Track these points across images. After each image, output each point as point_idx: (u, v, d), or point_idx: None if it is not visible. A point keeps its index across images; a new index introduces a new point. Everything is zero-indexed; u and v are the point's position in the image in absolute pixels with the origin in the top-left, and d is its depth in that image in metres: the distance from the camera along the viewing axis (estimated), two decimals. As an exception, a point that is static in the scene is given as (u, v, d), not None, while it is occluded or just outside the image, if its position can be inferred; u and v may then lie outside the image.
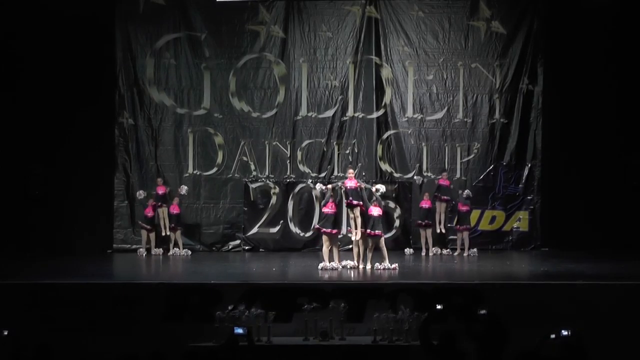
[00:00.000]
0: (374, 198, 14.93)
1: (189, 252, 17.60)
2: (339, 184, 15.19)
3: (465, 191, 17.47)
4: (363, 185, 15.28)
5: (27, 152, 17.62)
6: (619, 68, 18.00)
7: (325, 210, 14.96)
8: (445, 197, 17.46)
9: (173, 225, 17.53)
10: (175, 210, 17.68)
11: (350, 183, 14.93)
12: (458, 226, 17.29)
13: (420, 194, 18.15)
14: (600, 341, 9.51)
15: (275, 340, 11.68)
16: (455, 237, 17.52)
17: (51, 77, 17.59)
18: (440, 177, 17.85)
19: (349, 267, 14.85)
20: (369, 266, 14.78)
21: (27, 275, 13.81)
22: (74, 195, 17.76)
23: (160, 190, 17.72)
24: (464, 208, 17.29)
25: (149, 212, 17.56)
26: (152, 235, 17.60)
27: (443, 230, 17.28)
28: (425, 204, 17.55)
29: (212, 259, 17.28)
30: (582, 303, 11.88)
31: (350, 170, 15.40)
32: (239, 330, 8.72)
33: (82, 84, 17.65)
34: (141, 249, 17.60)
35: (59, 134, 17.70)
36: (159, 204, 17.56)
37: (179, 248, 17.52)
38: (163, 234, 17.51)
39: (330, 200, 14.95)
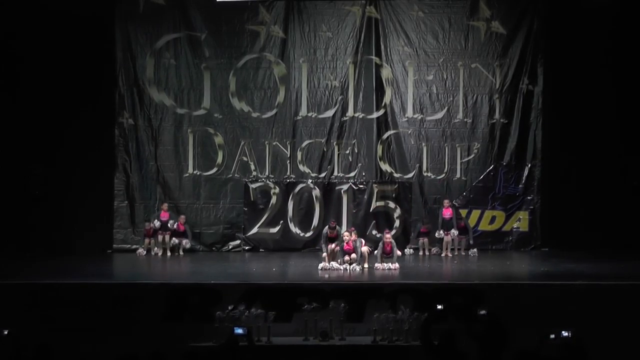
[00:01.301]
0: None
1: (188, 244, 17.55)
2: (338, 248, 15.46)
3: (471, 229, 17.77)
4: (356, 238, 15.40)
5: (27, 152, 17.62)
6: (619, 68, 17.98)
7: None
8: (447, 232, 17.39)
9: (178, 241, 17.51)
10: (180, 228, 17.58)
11: (349, 247, 15.22)
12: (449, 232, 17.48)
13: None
14: (600, 341, 9.51)
15: (275, 340, 11.70)
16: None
17: (51, 77, 17.58)
18: (443, 206, 17.73)
19: (352, 267, 14.90)
20: (378, 265, 14.90)
21: (27, 275, 13.82)
22: (73, 195, 17.74)
23: (164, 217, 17.52)
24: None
25: (148, 233, 17.58)
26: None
27: (450, 255, 17.28)
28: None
29: (212, 259, 17.27)
30: (582, 303, 11.89)
31: (346, 234, 15.45)
32: (239, 330, 8.75)
33: (82, 84, 17.64)
34: (141, 249, 17.60)
35: (59, 134, 17.69)
36: (160, 231, 17.40)
37: (179, 253, 17.50)
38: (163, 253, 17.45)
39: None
